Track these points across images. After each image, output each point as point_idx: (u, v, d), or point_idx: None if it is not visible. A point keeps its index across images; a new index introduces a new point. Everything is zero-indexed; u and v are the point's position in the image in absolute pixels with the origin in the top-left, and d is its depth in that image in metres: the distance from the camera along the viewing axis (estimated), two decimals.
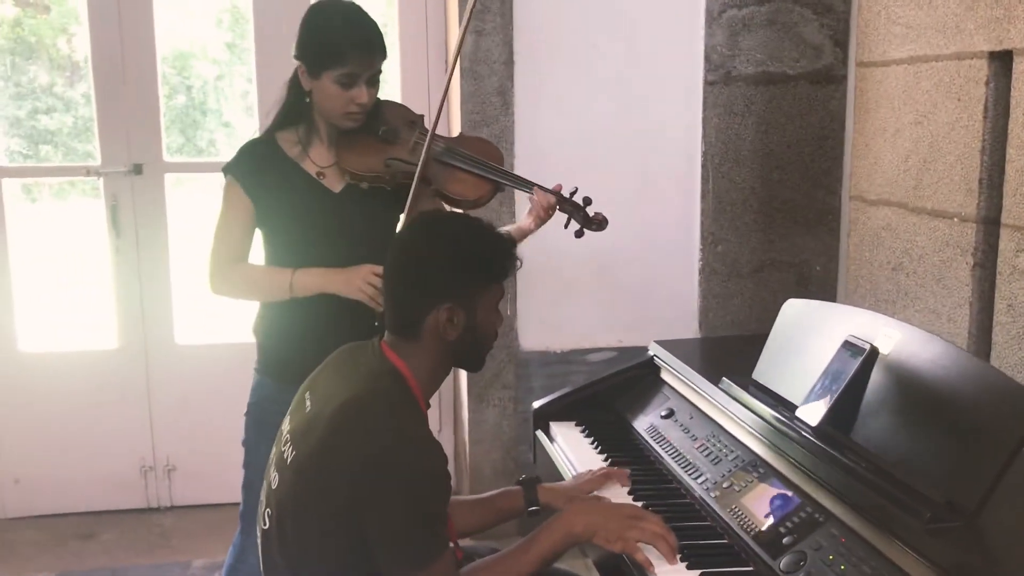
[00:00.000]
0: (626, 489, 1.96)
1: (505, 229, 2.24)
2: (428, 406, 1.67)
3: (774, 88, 3.23)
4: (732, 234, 3.31)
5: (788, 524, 1.65)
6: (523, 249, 2.04)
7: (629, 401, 2.36)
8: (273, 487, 1.65)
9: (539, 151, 3.22)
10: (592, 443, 2.22)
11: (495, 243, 1.70)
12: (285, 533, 1.60)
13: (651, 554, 1.65)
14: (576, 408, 2.38)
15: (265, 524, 1.66)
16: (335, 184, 2.20)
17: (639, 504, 1.88)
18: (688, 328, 3.37)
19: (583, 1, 3.16)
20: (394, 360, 1.64)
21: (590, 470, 2.01)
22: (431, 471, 1.52)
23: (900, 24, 2.59)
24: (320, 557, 1.56)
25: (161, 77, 3.44)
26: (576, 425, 2.33)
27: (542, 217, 2.28)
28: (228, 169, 2.20)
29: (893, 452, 1.59)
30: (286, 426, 1.71)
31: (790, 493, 1.71)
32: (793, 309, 2.04)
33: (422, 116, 2.32)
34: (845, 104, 3.24)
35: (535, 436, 2.38)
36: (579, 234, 2.32)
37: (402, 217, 2.16)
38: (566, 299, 3.32)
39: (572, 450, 2.20)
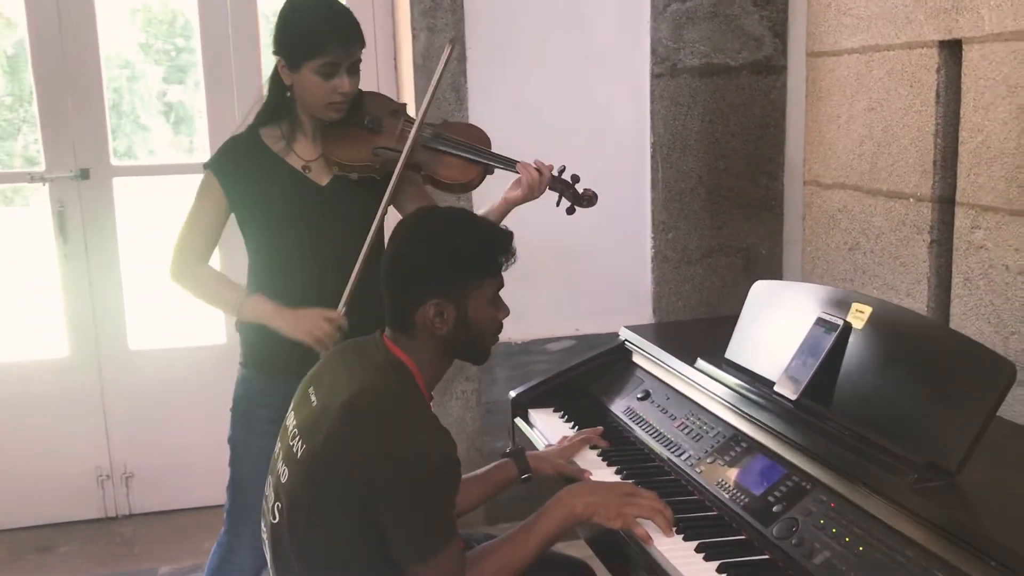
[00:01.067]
0: (613, 469, 2.04)
1: (489, 205, 2.28)
2: (431, 397, 1.71)
3: (718, 79, 3.34)
4: (682, 222, 3.41)
5: (776, 494, 1.74)
6: None
7: (604, 386, 2.43)
8: (283, 481, 1.67)
9: (493, 144, 3.26)
10: (572, 427, 2.29)
11: (484, 238, 1.70)
12: (297, 526, 1.62)
13: (649, 528, 1.73)
14: (552, 395, 2.44)
15: (275, 518, 1.68)
16: (322, 177, 2.21)
17: (629, 483, 1.95)
18: (643, 314, 3.47)
19: None
20: (397, 353, 1.68)
21: (565, 436, 2.10)
22: (442, 460, 1.56)
23: (851, 15, 2.72)
24: (333, 548, 1.60)
25: (106, 79, 3.39)
26: (555, 411, 2.39)
27: (528, 190, 2.26)
28: (209, 165, 2.20)
29: (873, 420, 1.69)
30: (291, 421, 1.73)
31: (775, 464, 1.80)
32: (762, 289, 2.13)
33: (404, 104, 2.33)
34: (785, 93, 3.36)
35: (513, 424, 2.43)
36: (571, 211, 2.35)
37: (381, 204, 2.16)
38: (524, 290, 3.35)
39: (554, 434, 2.26)
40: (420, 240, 1.69)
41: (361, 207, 2.19)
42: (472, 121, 3.26)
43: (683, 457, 2.01)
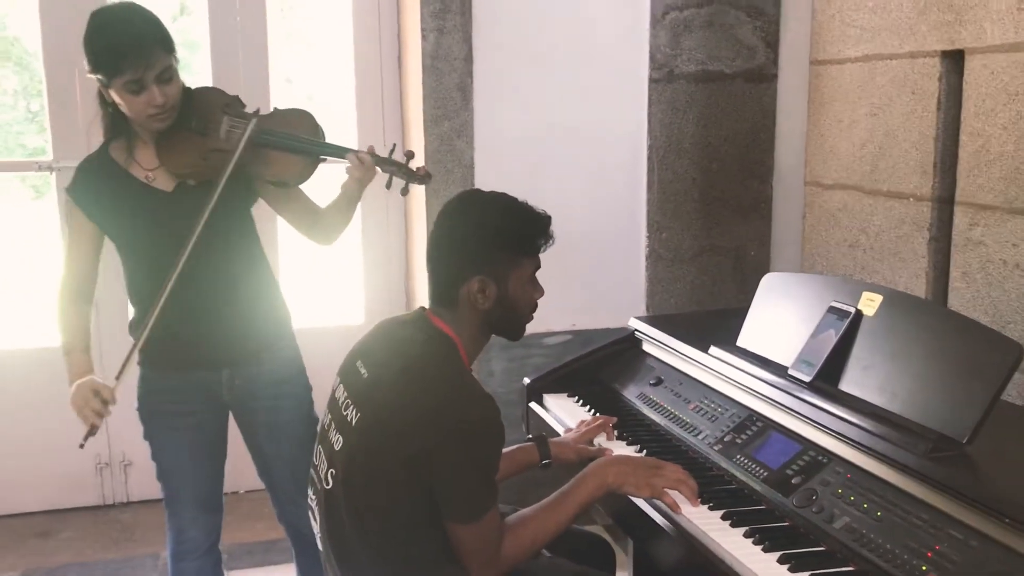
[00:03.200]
0: (634, 448, 2.16)
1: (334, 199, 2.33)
2: (471, 369, 1.82)
3: (713, 85, 3.48)
4: (675, 222, 3.55)
5: (794, 467, 1.87)
6: None
7: (614, 373, 2.55)
8: (336, 449, 1.77)
9: (497, 144, 3.38)
10: (589, 410, 2.40)
11: (526, 219, 1.82)
12: (354, 489, 1.72)
13: (676, 498, 1.84)
14: (565, 381, 2.56)
15: (328, 484, 1.78)
16: (167, 184, 2.21)
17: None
18: (636, 311, 3.59)
19: (539, 3, 3.33)
20: (441, 326, 1.79)
21: (582, 421, 2.23)
22: (490, 424, 1.67)
23: (855, 26, 2.88)
24: (389, 510, 1.70)
25: None
26: (569, 396, 2.51)
27: (358, 177, 2.27)
28: (68, 191, 2.22)
29: (886, 398, 1.83)
30: (341, 393, 1.83)
31: (791, 441, 1.93)
32: (774, 281, 2.27)
33: (235, 97, 2.29)
34: (776, 100, 3.52)
35: (528, 408, 2.54)
36: (404, 191, 2.36)
37: (206, 210, 2.13)
38: None
39: (571, 418, 2.37)
40: (467, 219, 1.80)
41: (210, 211, 2.16)
42: (477, 121, 3.38)
43: (700, 437, 2.13)
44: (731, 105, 3.51)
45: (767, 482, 1.88)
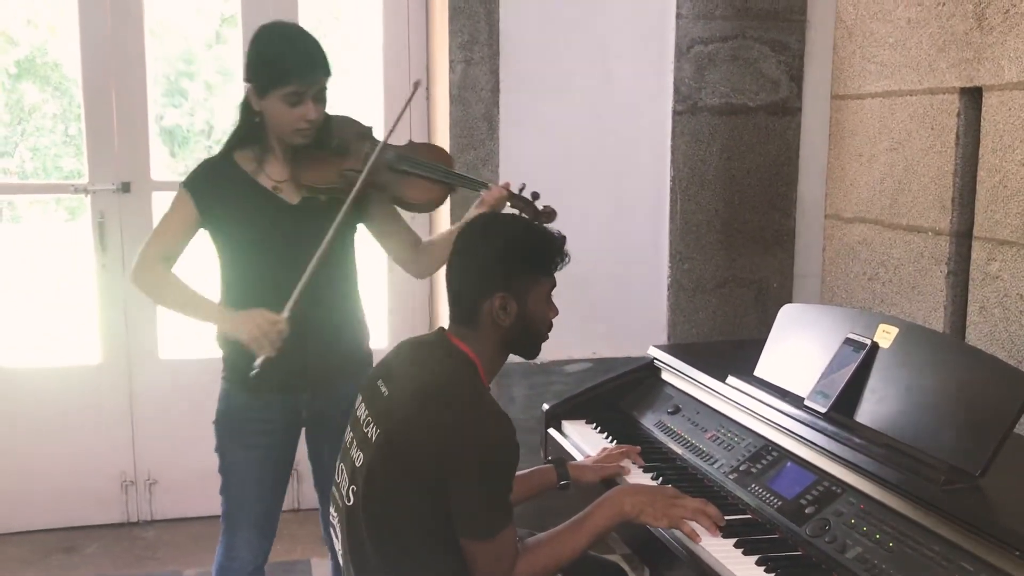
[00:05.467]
0: (650, 475, 2.17)
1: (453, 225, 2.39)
2: (489, 387, 1.86)
3: (736, 118, 3.52)
4: (698, 253, 3.57)
5: (808, 497, 1.88)
6: None
7: (633, 401, 2.57)
8: (357, 465, 1.81)
9: (522, 173, 3.37)
10: (607, 437, 2.42)
11: (545, 239, 1.89)
12: (373, 506, 1.76)
13: (695, 528, 1.85)
14: (583, 408, 2.58)
15: (349, 500, 1.81)
16: (293, 196, 2.28)
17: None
18: (657, 340, 3.60)
19: (565, 35, 3.39)
20: (461, 346, 1.83)
21: (605, 448, 2.25)
22: (505, 442, 1.71)
23: (875, 63, 2.92)
24: (406, 527, 1.73)
25: (150, 94, 3.53)
26: (587, 423, 2.53)
27: (487, 208, 2.33)
28: (185, 183, 2.28)
29: (901, 430, 1.84)
30: (362, 411, 1.87)
31: (806, 471, 1.94)
32: (791, 312, 2.29)
33: (370, 128, 2.40)
34: (799, 134, 3.54)
35: (547, 434, 2.57)
36: None
37: (336, 219, 2.20)
38: None
39: (588, 445, 2.39)
40: (489, 240, 1.86)
41: (332, 226, 2.23)
42: (503, 150, 3.43)
43: (715, 465, 2.14)
44: (754, 138, 3.54)
45: (781, 511, 1.89)
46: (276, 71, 2.16)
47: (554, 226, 1.97)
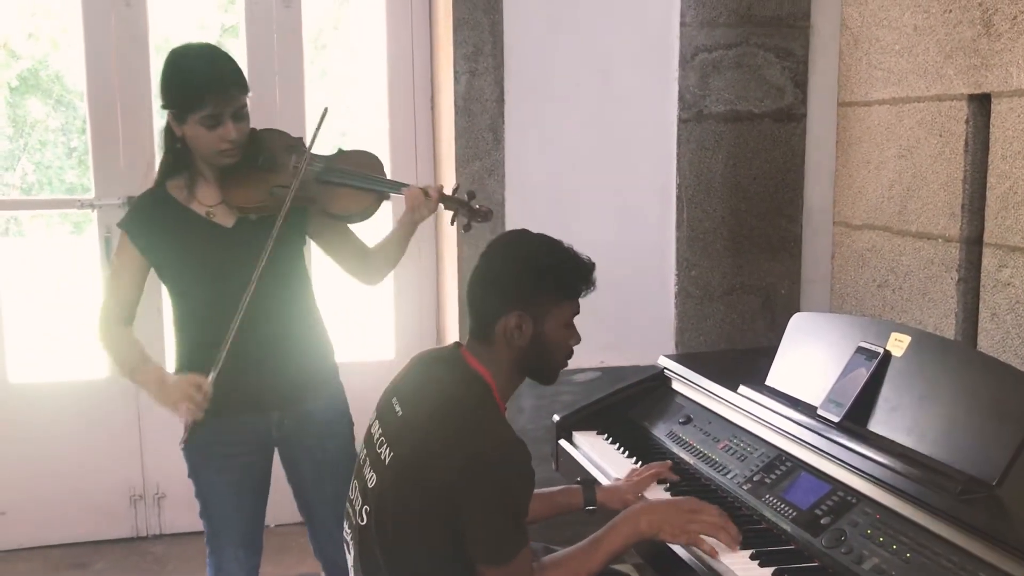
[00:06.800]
0: (664, 486, 2.16)
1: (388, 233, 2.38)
2: (504, 408, 1.84)
3: (741, 125, 3.52)
4: (704, 260, 3.56)
5: (823, 507, 1.87)
6: None
7: (644, 411, 2.57)
8: (370, 486, 1.79)
9: (528, 183, 3.43)
10: (618, 448, 2.42)
11: (571, 262, 1.84)
12: (385, 527, 1.74)
13: (714, 544, 1.83)
14: (595, 419, 2.58)
15: (363, 520, 1.80)
16: (227, 220, 2.26)
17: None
18: (665, 348, 3.59)
19: (569, 45, 3.39)
20: (476, 366, 1.81)
21: (634, 469, 2.21)
22: (520, 468, 1.69)
23: (882, 69, 2.92)
24: (420, 548, 1.72)
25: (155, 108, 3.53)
26: (599, 434, 2.52)
27: (410, 211, 2.31)
28: (122, 225, 2.27)
29: (915, 439, 1.83)
30: (376, 430, 1.86)
31: (821, 481, 1.94)
32: (802, 321, 2.28)
33: (300, 139, 2.37)
34: (805, 140, 3.54)
35: (558, 445, 2.56)
36: (467, 228, 2.41)
37: (269, 243, 2.16)
38: None
39: (600, 455, 2.39)
40: (510, 255, 1.84)
41: (269, 246, 2.20)
42: (508, 161, 3.43)
43: (729, 476, 2.14)
44: (760, 145, 3.53)
45: (796, 522, 1.88)
46: (190, 95, 2.12)
47: (557, 235, 1.91)
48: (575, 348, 1.93)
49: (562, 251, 1.85)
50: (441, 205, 2.36)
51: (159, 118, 3.50)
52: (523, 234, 1.93)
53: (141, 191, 3.46)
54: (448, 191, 2.39)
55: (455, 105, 3.35)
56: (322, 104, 2.33)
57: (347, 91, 4.42)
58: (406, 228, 2.37)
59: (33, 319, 4.12)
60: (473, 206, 2.38)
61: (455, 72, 3.33)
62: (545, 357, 1.86)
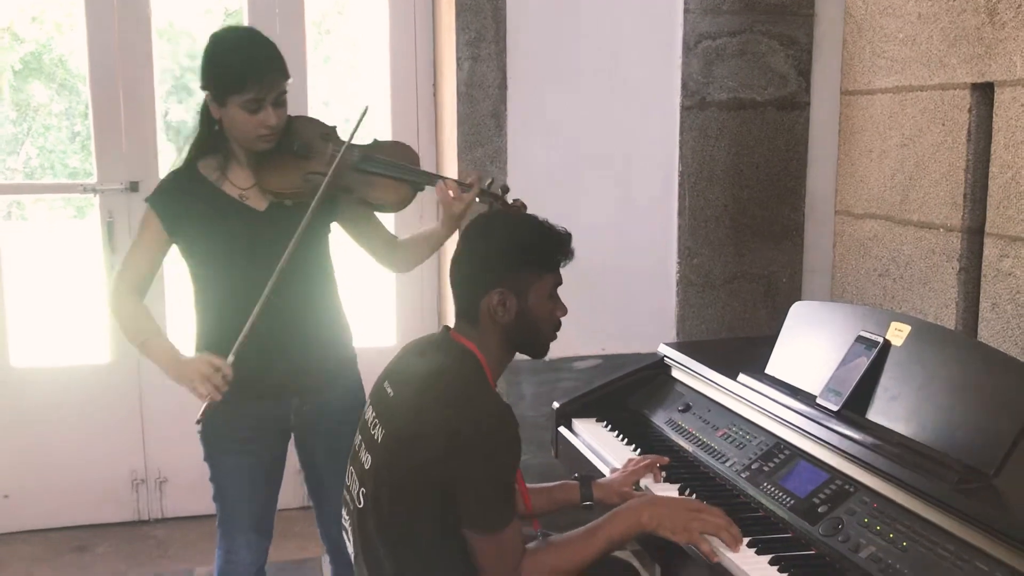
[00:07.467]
0: (662, 475, 2.17)
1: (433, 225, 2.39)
2: (495, 385, 1.85)
3: (744, 113, 3.51)
4: (706, 248, 3.56)
5: (821, 496, 1.88)
6: None
7: (643, 399, 2.57)
8: (366, 468, 1.81)
9: (530, 170, 3.42)
10: (618, 436, 2.42)
11: (546, 234, 1.86)
12: (381, 506, 1.76)
13: (714, 544, 1.81)
14: (594, 406, 2.58)
15: (360, 503, 1.81)
16: (259, 203, 2.25)
17: (675, 487, 2.09)
18: (666, 336, 3.60)
19: (572, 31, 3.38)
20: (464, 342, 1.83)
21: (631, 459, 2.21)
22: (509, 438, 1.70)
23: (885, 58, 2.91)
24: (414, 525, 1.73)
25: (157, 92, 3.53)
26: (598, 421, 2.53)
27: (447, 206, 2.30)
28: (150, 201, 2.26)
29: (913, 429, 1.83)
30: (369, 414, 1.87)
31: (819, 469, 1.94)
32: (803, 310, 2.28)
33: (334, 127, 2.35)
34: (808, 128, 3.53)
35: (557, 432, 2.57)
36: None
37: (301, 228, 2.16)
38: None
39: (599, 443, 2.39)
40: (488, 234, 1.85)
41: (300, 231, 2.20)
42: (511, 147, 3.43)
43: (727, 464, 2.14)
44: (763, 133, 3.53)
45: (794, 510, 1.89)
46: (233, 79, 2.12)
47: (559, 222, 1.93)
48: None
49: (536, 224, 1.87)
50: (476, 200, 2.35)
51: (162, 103, 3.52)
52: (498, 214, 1.96)
53: (143, 176, 3.51)
54: (484, 184, 2.38)
55: (457, 91, 3.34)
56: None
57: (350, 77, 4.41)
58: (448, 226, 2.35)
59: (36, 303, 4.13)
60: (507, 200, 2.39)
61: (457, 58, 3.32)
62: (532, 331, 1.87)
